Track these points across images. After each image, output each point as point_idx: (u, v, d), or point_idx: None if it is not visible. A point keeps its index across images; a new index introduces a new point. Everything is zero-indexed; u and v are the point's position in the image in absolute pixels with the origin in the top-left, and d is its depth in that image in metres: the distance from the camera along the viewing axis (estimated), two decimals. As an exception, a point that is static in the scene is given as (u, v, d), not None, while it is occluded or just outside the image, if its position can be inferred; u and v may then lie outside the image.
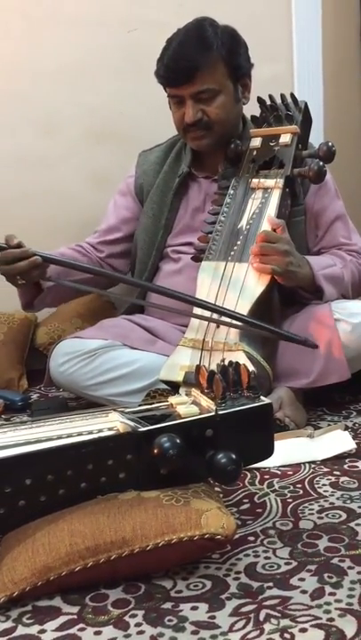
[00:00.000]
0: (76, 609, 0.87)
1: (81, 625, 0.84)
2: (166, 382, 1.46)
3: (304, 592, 0.87)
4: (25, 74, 1.95)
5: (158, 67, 1.52)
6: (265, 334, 1.41)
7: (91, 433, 0.98)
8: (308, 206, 1.60)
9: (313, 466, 1.27)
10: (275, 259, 1.41)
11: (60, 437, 0.97)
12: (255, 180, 1.54)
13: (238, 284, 1.44)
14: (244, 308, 1.41)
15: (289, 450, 1.29)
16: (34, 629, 0.84)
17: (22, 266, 1.42)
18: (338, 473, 1.23)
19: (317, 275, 1.47)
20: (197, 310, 1.45)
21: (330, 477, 1.21)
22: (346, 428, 1.42)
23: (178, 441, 0.91)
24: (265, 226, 1.47)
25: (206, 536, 0.90)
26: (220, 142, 1.57)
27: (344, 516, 1.07)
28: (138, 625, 0.83)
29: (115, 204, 1.75)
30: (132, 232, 1.72)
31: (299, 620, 0.82)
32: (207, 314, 1.44)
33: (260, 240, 1.41)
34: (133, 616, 0.85)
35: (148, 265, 1.66)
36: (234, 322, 1.40)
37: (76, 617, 0.85)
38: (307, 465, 1.27)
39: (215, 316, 1.43)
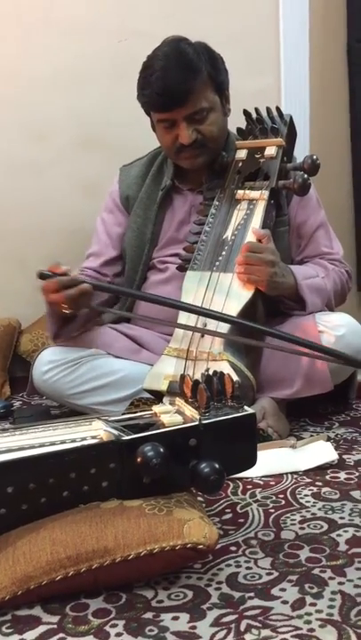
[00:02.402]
0: (56, 618, 0.86)
1: (61, 635, 0.83)
2: (150, 391, 1.45)
3: (285, 602, 0.87)
4: (16, 80, 1.96)
5: (145, 93, 1.51)
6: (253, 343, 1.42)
7: (74, 441, 0.98)
8: (291, 216, 1.62)
9: (295, 476, 1.27)
10: (259, 269, 1.41)
11: (42, 445, 0.97)
12: (240, 192, 1.55)
13: (223, 294, 1.44)
14: (228, 317, 1.42)
15: (272, 460, 1.29)
16: (13, 639, 0.83)
17: (71, 294, 1.38)
18: (320, 484, 1.24)
19: (301, 284, 1.49)
20: (183, 319, 1.45)
21: (312, 488, 1.22)
22: (328, 439, 1.43)
23: (161, 450, 0.91)
24: (250, 237, 1.48)
25: (188, 546, 0.90)
26: (212, 158, 1.58)
27: (325, 526, 1.07)
28: (118, 635, 0.83)
29: (103, 223, 1.72)
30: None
31: (279, 630, 0.82)
32: (193, 322, 1.44)
33: (245, 250, 1.42)
34: (114, 626, 0.84)
35: (135, 278, 1.66)
36: (220, 332, 1.40)
37: (55, 627, 0.85)
38: (289, 475, 1.28)
39: (200, 324, 1.43)
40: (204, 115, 1.51)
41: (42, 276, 1.40)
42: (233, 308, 1.42)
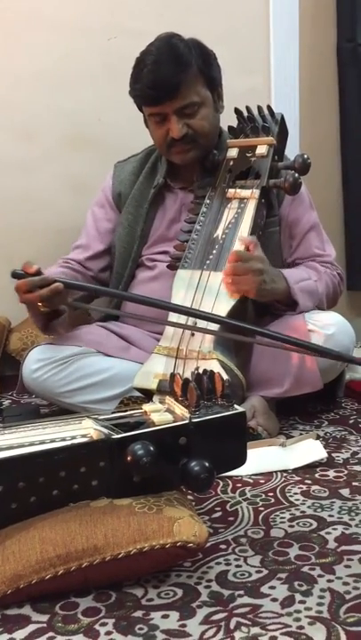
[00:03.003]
0: (45, 617, 0.86)
1: (51, 634, 0.83)
2: (140, 390, 1.45)
3: (274, 600, 0.88)
4: (3, 78, 1.94)
5: (136, 87, 1.52)
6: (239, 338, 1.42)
7: (64, 440, 0.97)
8: (282, 217, 1.62)
9: (285, 474, 1.28)
10: (247, 278, 1.41)
11: (32, 444, 0.96)
12: (231, 190, 1.56)
13: (213, 293, 1.45)
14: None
15: (261, 458, 1.30)
16: (3, 638, 0.83)
17: (44, 293, 1.40)
18: (309, 482, 1.24)
19: (293, 288, 1.49)
20: (174, 319, 1.45)
21: (301, 486, 1.22)
22: (317, 438, 1.43)
23: (151, 448, 0.91)
24: (238, 244, 1.47)
25: (178, 544, 0.90)
26: (203, 154, 1.58)
27: (315, 524, 1.08)
28: (108, 633, 0.83)
29: (93, 216, 1.72)
30: (114, 243, 1.71)
31: (269, 627, 0.82)
32: (183, 321, 1.44)
33: (233, 260, 1.41)
34: (104, 624, 0.84)
35: (124, 275, 1.66)
36: (211, 329, 1.40)
37: (45, 626, 0.85)
38: (279, 474, 1.28)
39: (191, 322, 1.44)
40: (195, 109, 1.52)
41: (15, 276, 1.43)
42: (223, 306, 1.43)
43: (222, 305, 1.43)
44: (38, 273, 1.42)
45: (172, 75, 1.47)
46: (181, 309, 1.41)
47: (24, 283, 1.41)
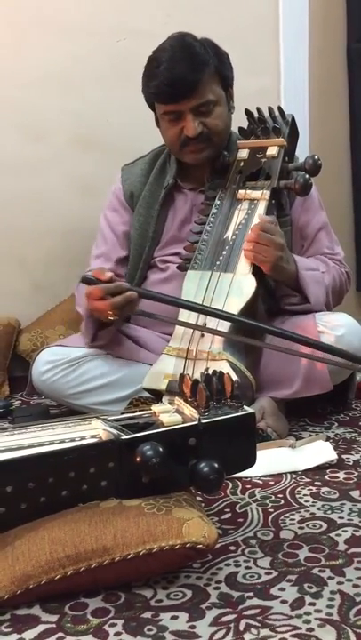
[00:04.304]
0: (55, 618, 0.86)
1: (60, 634, 0.83)
2: (150, 391, 1.46)
3: (284, 602, 0.87)
4: (12, 80, 1.95)
5: (151, 85, 1.51)
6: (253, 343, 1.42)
7: (73, 440, 0.98)
8: (293, 218, 1.62)
9: (294, 476, 1.27)
10: (267, 249, 1.42)
11: (41, 444, 0.97)
12: (242, 191, 1.55)
13: (223, 294, 1.44)
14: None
15: (271, 460, 1.29)
16: (12, 638, 0.83)
17: (118, 301, 1.37)
18: (319, 483, 1.24)
19: (302, 274, 1.49)
20: (183, 318, 1.45)
21: (311, 488, 1.22)
22: (327, 439, 1.43)
23: (160, 449, 0.91)
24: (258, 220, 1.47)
25: (187, 545, 0.89)
26: (215, 153, 1.57)
27: (325, 526, 1.07)
28: (117, 634, 0.83)
29: (108, 222, 1.69)
30: None
31: (279, 629, 0.82)
32: (193, 321, 1.44)
33: (258, 229, 1.42)
34: (113, 625, 0.84)
35: (135, 276, 1.65)
36: (221, 331, 1.40)
37: (54, 626, 0.85)
38: (288, 475, 1.28)
39: (201, 323, 1.43)
40: (210, 107, 1.51)
41: (86, 282, 1.40)
42: (233, 308, 1.42)
43: (233, 305, 1.43)
44: (111, 280, 1.39)
45: (190, 72, 1.47)
46: (207, 310, 1.39)
47: (98, 289, 1.38)
